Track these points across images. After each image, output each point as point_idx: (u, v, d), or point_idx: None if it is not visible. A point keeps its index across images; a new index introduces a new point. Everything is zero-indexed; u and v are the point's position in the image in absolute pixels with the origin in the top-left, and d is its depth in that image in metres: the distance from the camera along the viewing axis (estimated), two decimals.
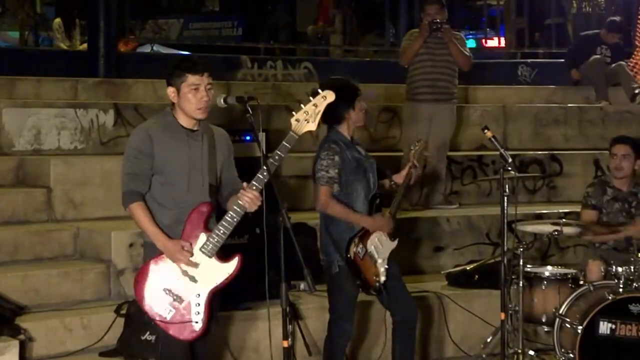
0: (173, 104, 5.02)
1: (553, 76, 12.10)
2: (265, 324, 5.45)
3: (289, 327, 4.73)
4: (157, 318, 4.88)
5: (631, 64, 11.52)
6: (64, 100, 8.83)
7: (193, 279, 4.87)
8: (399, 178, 6.11)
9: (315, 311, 6.68)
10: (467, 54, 8.66)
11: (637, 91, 11.02)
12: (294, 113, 4.88)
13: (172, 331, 4.88)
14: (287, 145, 4.84)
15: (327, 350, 6.01)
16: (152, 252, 4.94)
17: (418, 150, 6.15)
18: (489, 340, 6.91)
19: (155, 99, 9.23)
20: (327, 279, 5.96)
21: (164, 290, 4.86)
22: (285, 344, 4.71)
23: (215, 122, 7.41)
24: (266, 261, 5.18)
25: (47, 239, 7.06)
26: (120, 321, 6.31)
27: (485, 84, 11.47)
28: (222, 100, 4.94)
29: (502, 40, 14.78)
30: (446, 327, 7.22)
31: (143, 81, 9.60)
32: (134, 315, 6.31)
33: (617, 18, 11.90)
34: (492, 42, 15.34)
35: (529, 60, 12.75)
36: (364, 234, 5.86)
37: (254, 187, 4.82)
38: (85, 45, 11.47)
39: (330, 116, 5.84)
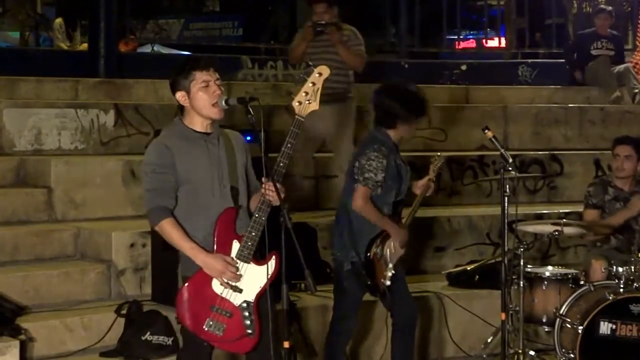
0: (181, 111, 4.83)
1: (553, 76, 12.12)
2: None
3: (290, 328, 4.72)
4: (211, 339, 4.66)
5: (632, 63, 11.56)
6: (65, 101, 8.83)
7: (237, 289, 4.66)
8: (417, 189, 6.07)
9: (316, 311, 6.68)
10: (359, 53, 8.12)
11: (636, 91, 11.06)
12: (293, 96, 4.77)
13: (228, 347, 4.75)
14: (296, 130, 4.69)
15: (328, 348, 5.99)
16: (189, 267, 4.70)
17: (437, 164, 6.14)
18: (489, 340, 6.91)
19: (156, 99, 9.23)
20: (336, 276, 5.93)
21: (211, 308, 4.64)
22: (286, 344, 4.71)
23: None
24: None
25: (48, 239, 7.06)
26: (121, 321, 6.31)
27: (486, 84, 11.48)
28: (222, 102, 4.92)
29: (503, 40, 14.79)
30: (446, 327, 7.22)
31: (143, 81, 9.60)
32: (135, 315, 6.32)
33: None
34: (493, 42, 15.36)
35: (529, 61, 12.77)
36: (385, 237, 5.82)
37: (274, 180, 4.65)
38: (85, 46, 11.49)
39: (388, 117, 5.83)
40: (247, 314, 4.67)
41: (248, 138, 7.23)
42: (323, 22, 8.01)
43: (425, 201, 8.72)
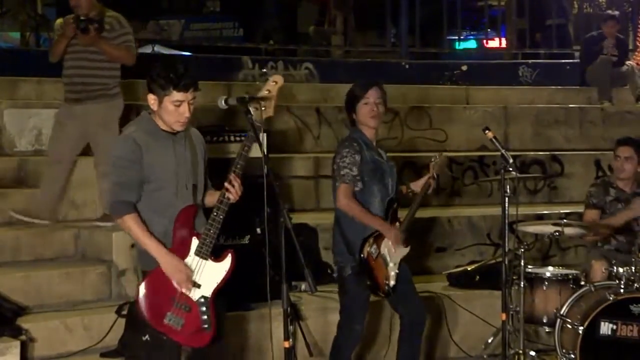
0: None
1: (554, 77, 12.12)
2: (267, 324, 5.45)
3: (290, 328, 4.73)
4: (169, 332, 4.81)
5: (633, 64, 11.57)
6: None
7: (195, 284, 4.85)
8: (417, 186, 6.13)
9: (316, 312, 6.68)
10: (125, 45, 7.29)
11: (639, 91, 11.06)
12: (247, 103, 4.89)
13: (185, 341, 4.85)
14: (253, 135, 4.86)
15: (335, 351, 5.98)
16: (149, 262, 4.85)
17: (438, 162, 6.17)
18: (490, 340, 6.92)
19: None
20: (339, 281, 5.95)
21: (170, 300, 4.81)
22: (287, 344, 4.71)
23: (216, 122, 7.47)
24: (267, 262, 5.19)
25: (49, 240, 7.07)
26: (121, 322, 6.31)
27: (487, 84, 11.48)
28: (222, 102, 4.93)
29: (503, 40, 14.79)
30: (447, 327, 7.22)
31: (144, 82, 9.53)
32: (135, 316, 6.31)
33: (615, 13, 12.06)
34: (493, 43, 15.37)
35: (529, 61, 12.77)
36: (379, 235, 5.84)
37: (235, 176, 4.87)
38: None
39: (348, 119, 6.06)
40: (204, 308, 4.85)
41: None
42: (83, 17, 7.22)
43: (426, 202, 8.79)
